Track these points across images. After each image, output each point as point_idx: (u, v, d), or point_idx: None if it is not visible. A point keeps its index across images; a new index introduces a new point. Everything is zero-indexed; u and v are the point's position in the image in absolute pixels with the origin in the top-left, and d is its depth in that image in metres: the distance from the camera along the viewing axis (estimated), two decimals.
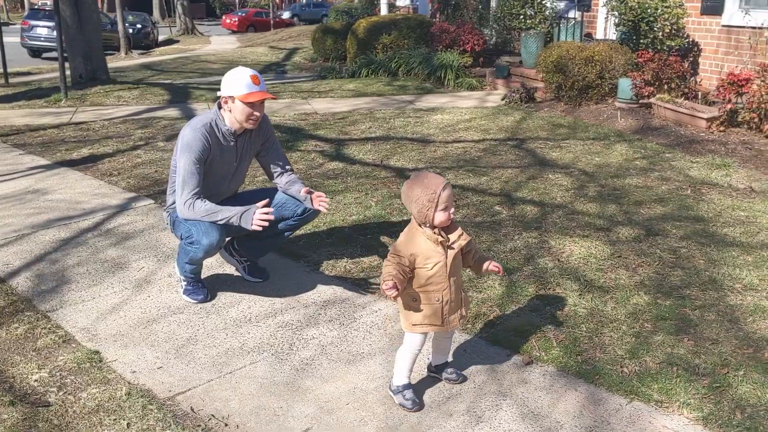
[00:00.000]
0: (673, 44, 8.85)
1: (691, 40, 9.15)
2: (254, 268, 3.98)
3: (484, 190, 5.58)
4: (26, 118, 8.94)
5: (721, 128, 7.22)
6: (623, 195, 5.40)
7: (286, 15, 40.53)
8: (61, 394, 2.86)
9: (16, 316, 3.53)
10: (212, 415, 2.74)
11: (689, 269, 4.02)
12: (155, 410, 2.74)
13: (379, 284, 3.90)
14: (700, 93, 8.07)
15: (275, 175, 3.80)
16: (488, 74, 11.21)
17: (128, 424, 2.66)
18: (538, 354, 3.16)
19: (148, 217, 5.04)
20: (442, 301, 2.68)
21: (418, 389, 2.85)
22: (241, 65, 3.63)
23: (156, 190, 5.64)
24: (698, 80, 9.00)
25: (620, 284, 3.85)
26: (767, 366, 3.03)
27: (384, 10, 17.70)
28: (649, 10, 8.79)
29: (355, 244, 4.47)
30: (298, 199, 3.71)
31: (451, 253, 2.66)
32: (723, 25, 8.67)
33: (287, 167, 3.81)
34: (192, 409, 2.77)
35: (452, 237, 2.68)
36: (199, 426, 2.67)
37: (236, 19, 38.18)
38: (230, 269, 4.10)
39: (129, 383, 2.94)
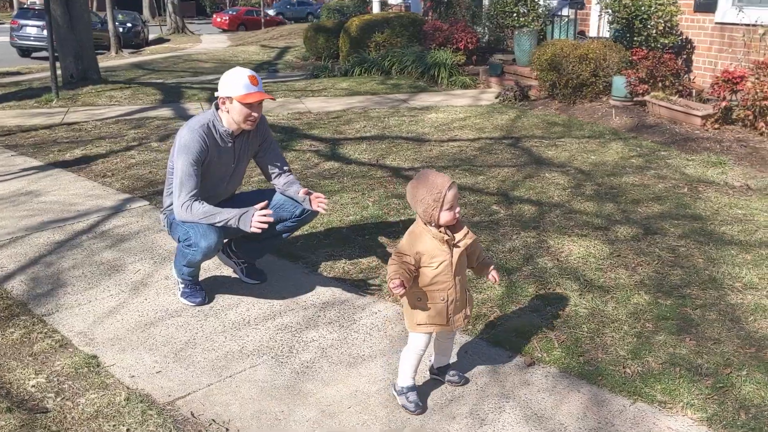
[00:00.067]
0: (666, 42, 8.85)
1: (684, 37, 9.16)
2: (252, 270, 3.94)
3: (480, 189, 5.56)
4: (17, 118, 8.86)
5: (716, 126, 7.23)
6: (620, 193, 5.39)
7: (271, 12, 40.33)
8: (59, 399, 2.82)
9: (12, 321, 3.48)
10: (213, 420, 2.71)
11: (689, 268, 4.02)
12: (155, 415, 2.71)
13: (378, 285, 3.88)
14: (694, 90, 8.08)
15: (273, 176, 3.76)
16: (482, 72, 11.19)
17: (128, 430, 2.62)
18: (539, 355, 3.14)
19: (144, 218, 4.99)
20: (447, 301, 2.66)
21: (420, 392, 2.82)
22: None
23: (150, 191, 5.59)
24: (692, 78, 9.01)
25: (620, 284, 3.84)
26: None
27: (376, 9, 17.68)
28: (642, 8, 8.79)
29: (353, 244, 4.44)
30: (296, 201, 3.68)
31: (456, 251, 2.64)
32: (716, 23, 8.68)
33: (285, 168, 3.77)
34: (192, 414, 2.74)
35: (458, 236, 2.66)
36: (200, 431, 2.64)
37: (227, 17, 37.98)
38: (228, 271, 4.06)
39: (128, 388, 2.90)
